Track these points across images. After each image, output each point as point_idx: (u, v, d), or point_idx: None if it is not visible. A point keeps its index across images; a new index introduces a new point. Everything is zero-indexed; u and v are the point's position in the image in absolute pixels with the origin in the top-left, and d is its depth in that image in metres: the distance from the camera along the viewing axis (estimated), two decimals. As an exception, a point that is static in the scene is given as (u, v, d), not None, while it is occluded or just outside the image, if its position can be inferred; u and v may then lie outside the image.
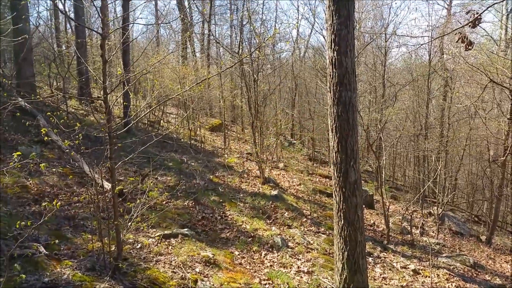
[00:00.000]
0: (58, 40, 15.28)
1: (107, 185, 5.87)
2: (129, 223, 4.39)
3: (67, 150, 4.68)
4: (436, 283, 6.70)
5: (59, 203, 3.56)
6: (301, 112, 18.36)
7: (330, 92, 4.09)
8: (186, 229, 6.13)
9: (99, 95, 13.70)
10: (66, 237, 4.77)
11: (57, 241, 4.37)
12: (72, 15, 13.57)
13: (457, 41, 5.49)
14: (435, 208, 11.11)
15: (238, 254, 5.98)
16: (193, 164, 10.31)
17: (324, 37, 17.39)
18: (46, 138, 3.93)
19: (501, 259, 9.82)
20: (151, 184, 7.46)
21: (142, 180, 7.44)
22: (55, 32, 16.29)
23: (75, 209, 5.70)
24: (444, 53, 16.16)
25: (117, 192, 3.95)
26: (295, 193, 10.45)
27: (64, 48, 13.88)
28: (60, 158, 7.51)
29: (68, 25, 18.34)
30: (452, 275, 7.17)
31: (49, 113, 3.86)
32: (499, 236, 12.36)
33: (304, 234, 7.59)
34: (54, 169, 6.75)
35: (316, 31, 25.87)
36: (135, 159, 5.74)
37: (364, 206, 10.82)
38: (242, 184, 9.85)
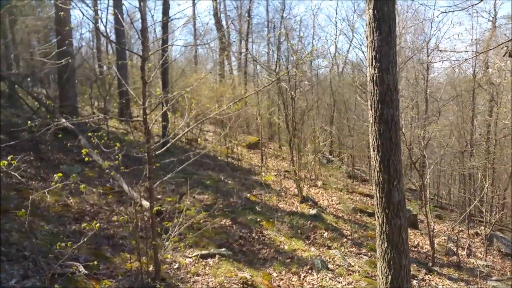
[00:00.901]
0: (99, 61, 15.96)
1: (146, 204, 5.95)
2: (167, 243, 4.39)
3: (107, 170, 4.80)
4: (487, 310, 6.24)
5: (98, 224, 3.61)
6: (339, 128, 18.07)
7: (371, 110, 3.95)
8: (223, 249, 6.06)
9: (138, 115, 14.13)
10: (105, 257, 4.83)
11: (96, 261, 4.43)
12: (113, 37, 14.14)
13: (504, 56, 5.20)
14: (483, 228, 10.50)
15: (276, 276, 5.83)
16: (230, 182, 10.31)
17: (363, 52, 17.13)
18: (86, 158, 4.02)
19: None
20: (189, 203, 7.50)
21: (180, 199, 7.49)
22: (97, 53, 17.05)
23: (114, 228, 5.79)
24: (489, 67, 15.47)
25: (155, 212, 3.96)
26: (334, 212, 10.17)
27: (106, 69, 14.47)
28: (100, 177, 7.73)
29: (109, 46, 19.16)
30: (504, 301, 6.66)
31: (89, 134, 3.96)
32: (555, 259, 11.44)
33: (344, 255, 7.32)
34: (94, 189, 6.94)
35: (355, 46, 25.58)
36: (173, 178, 5.79)
37: (407, 226, 10.41)
38: (279, 203, 9.71)
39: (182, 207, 4.92)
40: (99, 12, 13.61)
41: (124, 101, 12.22)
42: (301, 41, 17.95)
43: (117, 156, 3.83)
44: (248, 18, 21.83)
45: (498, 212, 13.38)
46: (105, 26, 14.67)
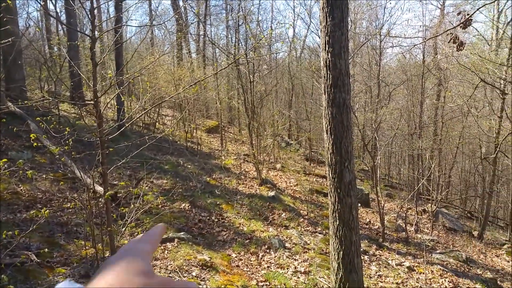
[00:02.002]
0: (49, 42, 15.12)
1: (100, 190, 5.82)
2: (123, 229, 4.34)
3: (57, 156, 4.63)
4: (430, 279, 6.71)
5: (48, 211, 3.52)
6: (298, 112, 18.36)
7: (325, 94, 4.08)
8: (182, 233, 6.08)
9: (91, 98, 13.60)
10: (59, 244, 4.72)
11: (49, 249, 4.32)
12: (63, 16, 13.43)
13: (448, 42, 5.49)
14: (429, 205, 11.16)
15: (236, 257, 5.94)
16: (189, 166, 10.26)
17: (319, 37, 17.38)
18: (35, 144, 3.88)
19: (492, 254, 9.90)
20: (146, 188, 7.41)
21: (137, 184, 7.38)
22: (46, 34, 16.12)
23: (68, 215, 5.65)
24: (437, 53, 16.21)
25: (110, 197, 3.90)
26: (292, 194, 10.43)
27: (56, 50, 13.75)
28: (52, 163, 7.44)
29: (60, 27, 18.18)
30: (445, 271, 7.20)
31: (38, 118, 3.81)
32: (490, 231, 12.47)
33: (301, 234, 7.57)
34: (45, 175, 6.69)
35: (312, 31, 25.88)
36: (130, 163, 5.69)
37: (360, 204, 10.88)
38: (239, 186, 9.82)
39: (138, 191, 4.86)
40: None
41: (73, 84, 11.69)
42: (259, 25, 17.94)
43: (68, 141, 3.71)
44: (204, 1, 21.42)
45: (444, 190, 14.31)
46: (55, 5, 13.89)
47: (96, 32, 3.54)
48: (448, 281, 6.74)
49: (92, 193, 4.81)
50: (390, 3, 19.88)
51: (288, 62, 18.64)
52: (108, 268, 0.44)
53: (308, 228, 8.13)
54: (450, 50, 12.15)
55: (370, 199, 11.73)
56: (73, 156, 3.95)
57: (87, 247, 4.42)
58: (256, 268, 5.75)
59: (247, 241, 6.64)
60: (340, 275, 4.18)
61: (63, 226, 5.31)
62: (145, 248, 0.49)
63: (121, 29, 6.61)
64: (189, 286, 0.46)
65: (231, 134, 17.44)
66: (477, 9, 6.09)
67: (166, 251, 5.32)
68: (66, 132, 3.71)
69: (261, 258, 6.13)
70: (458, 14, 5.93)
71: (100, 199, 5.33)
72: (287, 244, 6.88)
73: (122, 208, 4.76)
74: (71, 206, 4.04)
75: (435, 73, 16.02)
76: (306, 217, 8.78)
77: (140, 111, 8.13)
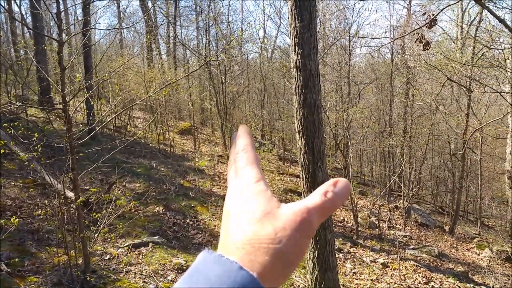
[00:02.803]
0: (15, 45, 14.60)
1: (72, 196, 5.69)
2: (96, 234, 4.27)
3: (26, 162, 4.50)
4: (404, 275, 6.91)
5: (17, 219, 3.42)
6: (270, 112, 18.47)
7: (296, 95, 4.14)
8: (157, 237, 6.03)
9: (60, 102, 13.23)
10: (30, 252, 4.59)
11: (19, 258, 4.20)
12: (29, 19, 13.03)
13: (415, 42, 5.68)
14: (401, 201, 11.45)
15: (211, 259, 5.93)
16: (162, 169, 10.15)
17: (290, 39, 17.54)
18: (3, 150, 3.76)
19: (463, 247, 10.28)
20: (118, 192, 7.29)
21: (109, 188, 7.25)
22: (11, 37, 15.57)
23: (39, 222, 5.49)
24: (405, 52, 16.67)
25: (81, 203, 3.83)
26: (266, 194, 10.47)
27: (23, 53, 13.30)
28: (21, 169, 7.21)
29: (26, 29, 17.59)
30: (419, 266, 7.42)
31: (5, 124, 3.70)
32: (461, 225, 12.92)
33: (276, 234, 7.62)
34: (14, 182, 6.48)
35: (282, 32, 26.10)
36: (101, 167, 5.59)
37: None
38: (213, 187, 9.80)
39: (109, 196, 4.79)
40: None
41: (41, 89, 11.33)
42: (229, 26, 17.93)
43: (37, 147, 3.62)
44: (173, 2, 21.23)
45: (415, 186, 14.72)
46: (20, 8, 13.44)
47: (64, 35, 3.46)
48: (422, 276, 6.96)
49: (63, 199, 4.71)
50: (358, 3, 20.25)
51: (259, 63, 18.73)
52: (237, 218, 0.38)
53: (283, 228, 8.20)
54: (418, 49, 12.53)
55: (344, 196, 11.91)
56: (43, 162, 3.85)
57: (59, 254, 4.32)
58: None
59: (223, 243, 6.63)
60: (315, 274, 4.25)
61: (34, 234, 5.17)
62: (253, 173, 0.42)
63: (89, 32, 6.48)
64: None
65: (204, 135, 17.36)
66: (441, 10, 6.33)
67: (141, 256, 5.26)
68: (35, 138, 3.62)
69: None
70: (424, 14, 6.15)
71: (72, 205, 5.21)
72: (263, 244, 6.91)
73: (95, 213, 4.66)
74: (41, 213, 3.93)
75: (403, 71, 16.46)
76: (281, 216, 8.85)
77: (111, 115, 7.99)
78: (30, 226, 5.34)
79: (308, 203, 0.39)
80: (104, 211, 4.65)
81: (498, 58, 9.12)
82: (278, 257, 0.35)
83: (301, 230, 0.37)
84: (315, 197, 0.40)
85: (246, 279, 0.32)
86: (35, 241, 5.00)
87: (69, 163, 3.66)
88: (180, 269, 5.07)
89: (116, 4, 22.61)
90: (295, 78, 4.11)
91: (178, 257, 5.47)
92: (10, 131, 3.55)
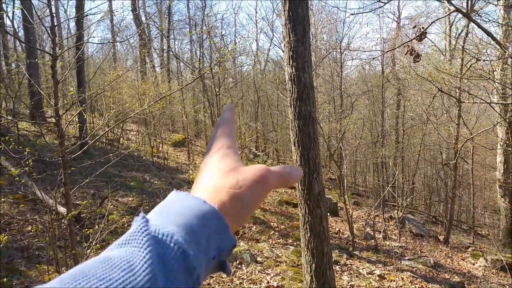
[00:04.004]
0: (6, 59, 14.51)
1: (63, 211, 5.60)
2: (88, 251, 4.18)
3: (17, 178, 4.42)
4: (401, 286, 6.86)
5: (6, 236, 3.34)
6: (264, 124, 18.50)
7: (291, 107, 4.14)
8: (150, 251, 5.92)
9: (52, 116, 13.14)
10: (19, 271, 4.47)
11: (7, 277, 4.09)
12: (22, 32, 12.99)
13: (405, 54, 5.74)
14: (396, 211, 11.44)
15: (206, 274, 5.85)
16: (156, 182, 10.07)
17: (282, 51, 17.71)
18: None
19: (458, 257, 10.26)
20: (111, 206, 7.19)
21: (101, 203, 7.15)
22: (3, 50, 15.48)
23: (29, 238, 5.38)
24: (396, 64, 16.88)
25: (73, 218, 3.76)
26: (261, 206, 10.42)
27: (14, 66, 13.21)
28: (11, 184, 7.10)
29: (18, 43, 17.55)
30: (415, 277, 7.38)
31: (-4, 139, 3.64)
32: (455, 234, 12.93)
33: (272, 247, 7.57)
34: (3, 198, 6.36)
35: (275, 44, 26.37)
36: (94, 181, 5.52)
37: (329, 214, 11.01)
38: (207, 200, 9.71)
39: (100, 210, 4.71)
40: (3, 6, 12.34)
41: (33, 102, 11.24)
42: (223, 39, 18.05)
43: (28, 162, 3.56)
44: (167, 16, 21.37)
45: (409, 196, 14.76)
46: (12, 21, 13.39)
47: (57, 49, 3.44)
48: (418, 287, 6.92)
49: (55, 214, 4.62)
50: (349, 17, 20.52)
51: (253, 75, 18.82)
52: (205, 171, 0.47)
53: (279, 240, 8.14)
54: (408, 61, 12.68)
55: (339, 207, 11.92)
56: (34, 176, 3.79)
57: (50, 272, 4.22)
58: (228, 285, 5.68)
59: (218, 256, 6.55)
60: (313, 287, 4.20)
61: (23, 251, 5.05)
62: (227, 142, 0.51)
63: (83, 46, 6.46)
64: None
65: (198, 147, 17.30)
66: (431, 23, 6.41)
67: (135, 272, 5.15)
68: (26, 152, 3.56)
69: (233, 274, 6.07)
70: (414, 27, 6.23)
71: (63, 221, 5.12)
72: (258, 258, 6.85)
73: (86, 229, 4.58)
74: (32, 230, 3.85)
75: (394, 83, 16.65)
76: (277, 229, 8.79)
77: (104, 128, 7.93)
78: (20, 243, 5.22)
79: (269, 167, 0.48)
80: (97, 226, 4.56)
81: (487, 70, 9.24)
82: (238, 199, 0.43)
83: (260, 182, 0.45)
84: (277, 167, 0.50)
85: (209, 209, 0.39)
86: (25, 258, 4.88)
87: (61, 178, 3.60)
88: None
89: (109, 17, 22.68)
90: (290, 90, 4.12)
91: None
92: (0, 146, 3.49)
